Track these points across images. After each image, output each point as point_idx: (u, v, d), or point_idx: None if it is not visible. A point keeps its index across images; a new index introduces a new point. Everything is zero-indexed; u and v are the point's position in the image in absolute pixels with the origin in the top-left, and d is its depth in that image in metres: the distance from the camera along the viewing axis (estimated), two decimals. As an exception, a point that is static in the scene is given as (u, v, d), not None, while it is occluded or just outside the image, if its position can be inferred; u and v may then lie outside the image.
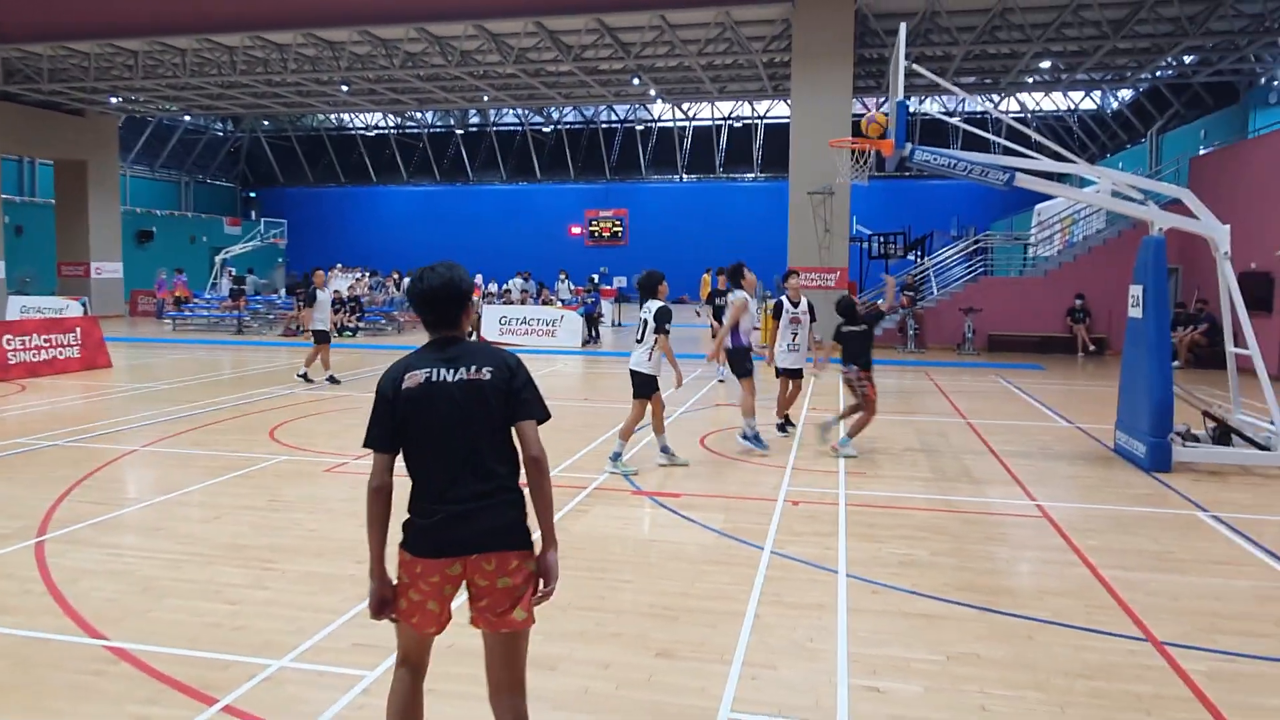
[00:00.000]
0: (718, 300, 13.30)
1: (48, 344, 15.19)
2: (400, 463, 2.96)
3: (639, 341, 8.37)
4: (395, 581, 2.96)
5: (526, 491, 2.98)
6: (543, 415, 3.02)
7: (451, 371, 2.92)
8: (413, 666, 3.04)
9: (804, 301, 10.23)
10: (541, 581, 3.02)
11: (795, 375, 10.28)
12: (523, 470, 2.97)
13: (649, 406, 8.40)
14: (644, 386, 8.34)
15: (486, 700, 3.03)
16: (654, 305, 8.32)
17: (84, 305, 23.99)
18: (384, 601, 2.95)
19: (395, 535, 2.95)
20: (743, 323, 9.37)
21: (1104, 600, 5.18)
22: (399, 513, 2.95)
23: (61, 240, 30.62)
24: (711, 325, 13.35)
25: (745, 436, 9.34)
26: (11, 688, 3.99)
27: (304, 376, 14.12)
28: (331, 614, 4.79)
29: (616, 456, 8.28)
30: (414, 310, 3.14)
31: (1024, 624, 4.81)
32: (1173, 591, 5.33)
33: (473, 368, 2.93)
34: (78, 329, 15.97)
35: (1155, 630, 4.74)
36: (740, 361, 9.37)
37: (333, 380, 14.13)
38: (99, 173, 30.53)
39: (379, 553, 2.93)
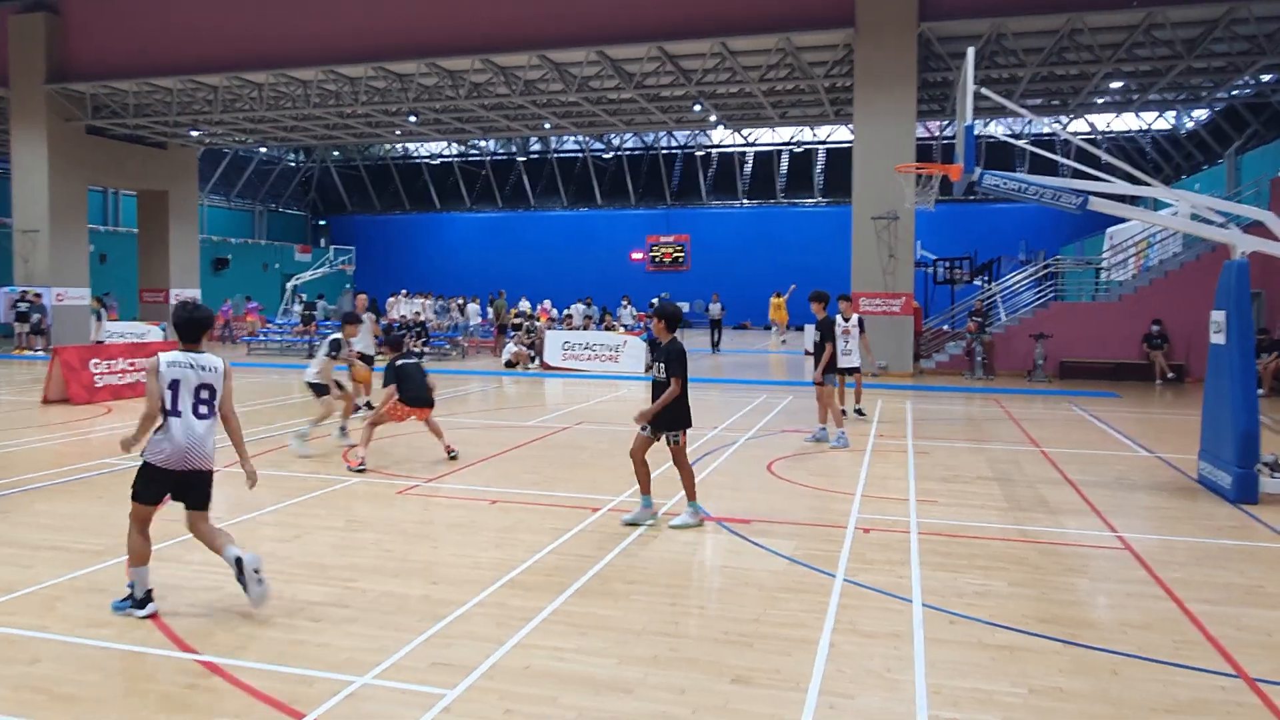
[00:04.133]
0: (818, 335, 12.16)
1: (131, 368, 15.81)
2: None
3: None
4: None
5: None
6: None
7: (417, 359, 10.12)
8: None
9: (855, 318, 13.03)
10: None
11: (854, 371, 13.04)
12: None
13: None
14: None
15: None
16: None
17: (164, 330, 24.90)
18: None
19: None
20: None
21: (1191, 635, 5.01)
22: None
23: (143, 267, 31.89)
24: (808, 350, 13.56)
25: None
26: (107, 699, 4.15)
27: (368, 405, 14.07)
28: (410, 633, 4.89)
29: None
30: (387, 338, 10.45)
31: (1108, 658, 4.68)
32: (1265, 627, 5.14)
33: (419, 357, 10.49)
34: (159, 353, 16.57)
35: (1247, 666, 4.57)
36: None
37: (369, 406, 13.80)
38: (179, 203, 31.77)
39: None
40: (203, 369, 5.25)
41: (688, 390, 7.14)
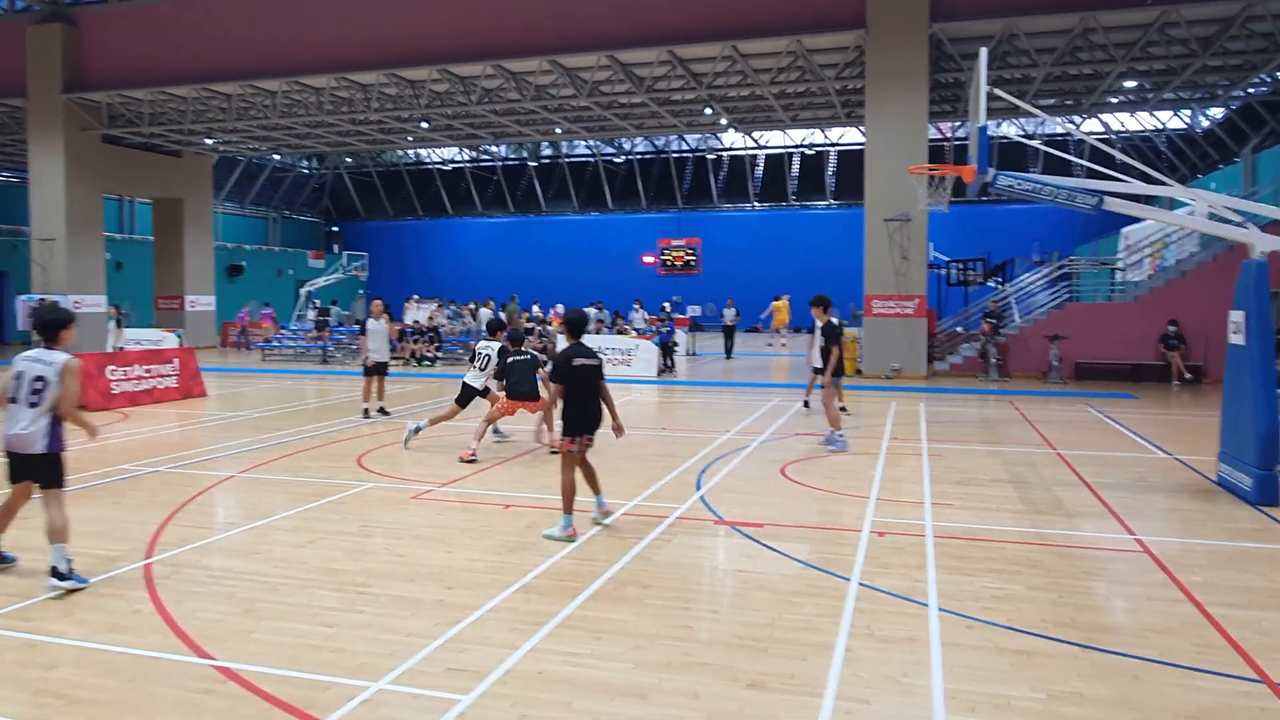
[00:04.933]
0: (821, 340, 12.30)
1: (148, 374, 15.91)
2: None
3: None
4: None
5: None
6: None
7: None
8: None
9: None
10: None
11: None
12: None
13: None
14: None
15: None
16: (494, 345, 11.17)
17: (179, 337, 25.05)
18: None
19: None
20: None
21: (1213, 639, 4.95)
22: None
23: (159, 275, 32.12)
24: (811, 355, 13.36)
25: None
26: (126, 704, 4.16)
27: (381, 410, 13.91)
28: (424, 638, 4.89)
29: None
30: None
31: (1129, 662, 4.63)
32: (1288, 631, 5.07)
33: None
34: (175, 360, 16.70)
35: (1270, 671, 4.51)
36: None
37: (382, 412, 13.87)
38: (194, 210, 32.01)
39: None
40: (43, 363, 5.81)
41: (576, 398, 6.97)
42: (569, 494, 6.99)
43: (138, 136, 28.23)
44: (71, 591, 5.63)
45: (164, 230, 31.93)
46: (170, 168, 31.06)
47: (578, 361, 6.98)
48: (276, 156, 42.20)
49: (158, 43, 24.63)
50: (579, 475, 7.18)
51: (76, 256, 27.11)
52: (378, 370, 13.94)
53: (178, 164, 31.31)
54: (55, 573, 5.65)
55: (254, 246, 43.28)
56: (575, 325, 7.30)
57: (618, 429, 7.22)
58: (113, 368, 15.38)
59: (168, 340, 23.69)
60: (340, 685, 4.31)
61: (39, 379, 5.75)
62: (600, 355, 7.34)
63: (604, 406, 7.14)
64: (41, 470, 5.81)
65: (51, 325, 5.94)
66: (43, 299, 26.17)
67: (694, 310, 39.27)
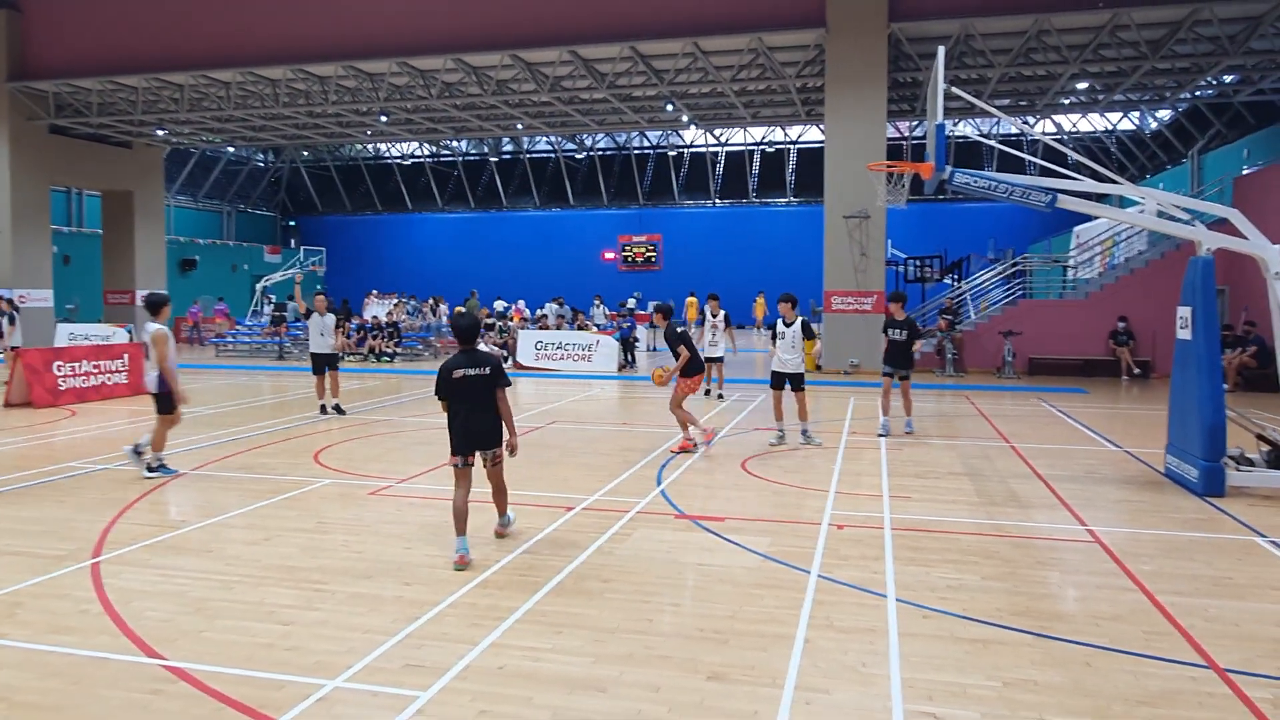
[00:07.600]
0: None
1: (96, 370, 15.53)
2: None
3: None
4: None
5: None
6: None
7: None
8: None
9: (721, 314, 15.20)
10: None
11: (719, 360, 15.41)
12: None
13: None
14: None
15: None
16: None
17: (129, 332, 24.48)
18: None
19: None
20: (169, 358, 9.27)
21: (1162, 626, 5.07)
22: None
23: (108, 269, 31.34)
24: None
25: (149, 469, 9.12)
26: (70, 707, 4.05)
27: (336, 408, 13.56)
28: (382, 634, 4.82)
29: None
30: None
31: (1080, 650, 4.71)
32: (1233, 617, 5.20)
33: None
34: (125, 355, 16.31)
35: (1217, 657, 4.63)
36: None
37: (338, 410, 13.54)
38: (145, 203, 31.25)
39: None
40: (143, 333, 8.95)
41: (458, 412, 6.28)
42: (456, 517, 6.17)
43: (86, 127, 27.52)
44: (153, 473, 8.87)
45: (114, 223, 31.13)
46: (120, 159, 30.30)
47: (459, 373, 6.16)
48: (231, 149, 41.45)
49: (107, 30, 24.02)
50: (490, 491, 6.66)
51: (22, 250, 26.39)
52: (327, 364, 13.63)
53: (128, 155, 30.55)
54: (149, 466, 8.97)
55: (208, 240, 42.46)
56: (462, 333, 6.42)
57: (511, 447, 6.44)
58: (59, 364, 14.99)
59: (117, 335, 23.16)
60: (295, 684, 4.24)
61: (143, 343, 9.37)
62: (495, 362, 6.37)
63: (501, 420, 6.38)
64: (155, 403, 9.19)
65: (151, 305, 9.33)
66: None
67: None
